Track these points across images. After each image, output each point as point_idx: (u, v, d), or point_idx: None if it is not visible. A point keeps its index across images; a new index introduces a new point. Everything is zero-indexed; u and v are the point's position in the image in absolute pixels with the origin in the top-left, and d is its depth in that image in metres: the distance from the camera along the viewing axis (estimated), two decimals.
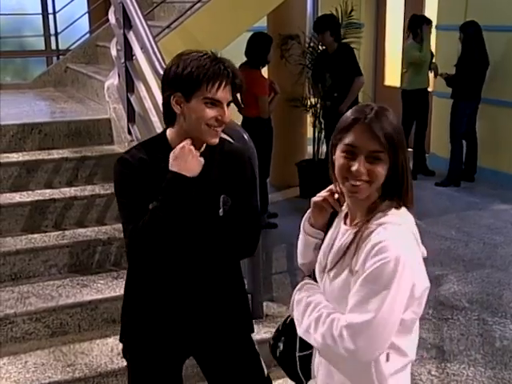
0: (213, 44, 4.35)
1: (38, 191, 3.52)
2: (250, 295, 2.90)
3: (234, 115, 4.65)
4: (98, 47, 5.50)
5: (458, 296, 4.04)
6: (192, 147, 1.81)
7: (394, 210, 1.56)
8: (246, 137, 2.91)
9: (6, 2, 6.31)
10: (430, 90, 7.01)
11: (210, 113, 1.79)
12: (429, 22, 6.68)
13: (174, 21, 4.16)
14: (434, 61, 6.82)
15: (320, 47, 5.97)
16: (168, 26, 4.16)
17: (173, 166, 1.79)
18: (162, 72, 3.31)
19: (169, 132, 1.91)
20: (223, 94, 1.79)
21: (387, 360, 1.57)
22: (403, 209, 1.58)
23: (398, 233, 1.51)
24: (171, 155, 1.80)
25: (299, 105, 6.20)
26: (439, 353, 3.36)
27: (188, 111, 1.80)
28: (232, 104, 1.87)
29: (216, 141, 1.85)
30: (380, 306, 1.46)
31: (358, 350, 1.47)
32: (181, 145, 1.81)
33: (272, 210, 5.57)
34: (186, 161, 1.79)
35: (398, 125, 1.54)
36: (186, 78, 1.77)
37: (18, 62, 7.73)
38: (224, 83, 1.78)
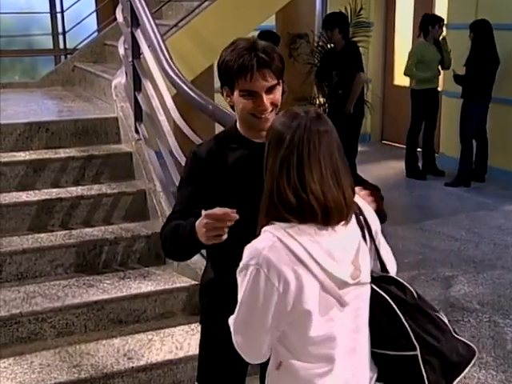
0: (220, 43, 4.30)
1: (45, 190, 3.50)
2: None
3: None
4: (106, 46, 5.48)
5: (468, 298, 3.99)
6: (212, 222, 1.61)
7: None
8: None
9: (14, 0, 6.30)
10: (439, 89, 6.95)
11: (248, 104, 1.79)
12: (441, 21, 6.62)
13: (182, 19, 4.13)
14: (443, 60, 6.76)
15: (329, 46, 5.93)
16: (176, 25, 4.13)
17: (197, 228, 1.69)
18: (169, 70, 3.30)
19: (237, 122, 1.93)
20: (257, 83, 1.76)
21: (277, 368, 1.55)
22: None
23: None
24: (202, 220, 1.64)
25: (307, 104, 6.16)
26: None
27: (235, 103, 1.84)
28: None
29: (265, 126, 1.75)
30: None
31: (237, 345, 1.53)
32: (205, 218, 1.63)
33: None
34: (201, 232, 1.66)
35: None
36: (223, 73, 1.82)
37: (26, 60, 7.73)
38: (254, 73, 1.74)
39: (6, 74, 7.50)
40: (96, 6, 6.58)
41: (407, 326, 1.56)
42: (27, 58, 7.56)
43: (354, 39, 5.88)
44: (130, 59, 3.78)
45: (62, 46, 6.33)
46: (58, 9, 6.39)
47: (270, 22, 5.69)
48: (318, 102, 6.19)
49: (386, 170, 7.28)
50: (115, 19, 5.60)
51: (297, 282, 1.43)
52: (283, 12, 5.24)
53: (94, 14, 6.64)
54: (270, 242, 1.44)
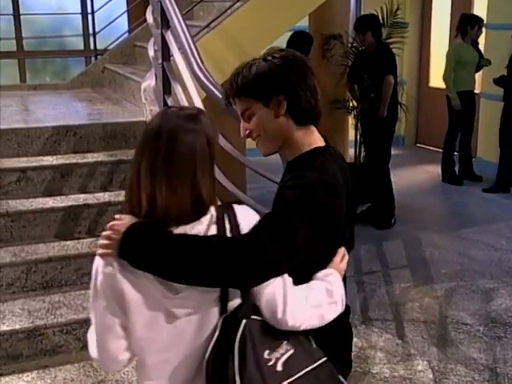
0: (253, 44, 4.23)
1: (72, 196, 3.42)
2: None
3: None
4: (136, 47, 5.40)
5: (511, 313, 3.79)
6: None
7: None
8: None
9: (46, 1, 6.28)
10: (476, 91, 6.72)
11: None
12: (481, 21, 6.39)
13: (213, 20, 4.01)
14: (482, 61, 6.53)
15: (363, 47, 5.76)
16: (207, 26, 4.02)
17: None
18: (200, 74, 3.19)
19: None
20: (237, 108, 1.68)
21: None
22: None
23: None
24: None
25: (341, 107, 6.00)
26: (492, 375, 3.13)
27: None
28: None
29: (264, 153, 1.70)
30: None
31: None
32: None
33: None
34: None
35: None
36: None
37: (57, 61, 7.72)
38: (231, 98, 1.66)
39: (38, 75, 7.50)
40: (127, 6, 6.52)
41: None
42: (59, 59, 7.54)
43: (390, 40, 5.70)
44: (160, 61, 3.68)
45: (92, 47, 6.28)
46: (89, 10, 6.34)
47: (303, 23, 5.54)
48: (351, 105, 6.03)
49: (420, 174, 7.08)
50: (146, 20, 5.53)
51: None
52: (317, 12, 5.08)
53: (125, 15, 6.58)
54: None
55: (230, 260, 1.38)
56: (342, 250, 1.64)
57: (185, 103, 3.45)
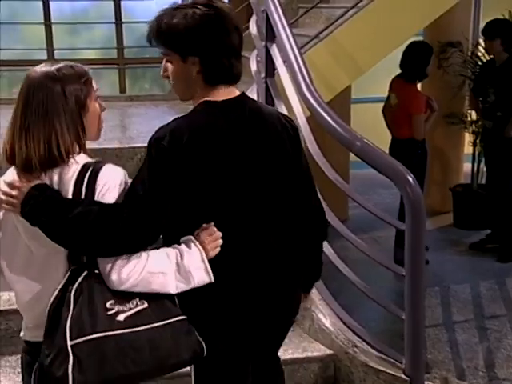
0: (367, 57, 3.78)
1: None
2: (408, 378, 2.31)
3: (379, 138, 4.02)
4: None
5: None
6: None
7: None
8: None
9: (144, 8, 6.12)
10: None
11: None
12: None
13: (323, 30, 3.61)
14: None
15: (487, 56, 5.16)
16: (316, 36, 3.62)
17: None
18: (307, 94, 2.80)
19: None
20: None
21: None
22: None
23: None
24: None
25: (457, 121, 5.44)
26: None
27: None
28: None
29: (180, 99, 1.81)
30: None
31: None
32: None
33: None
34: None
35: None
36: None
37: (157, 69, 7.59)
38: (153, 40, 1.73)
39: (137, 82, 7.40)
40: None
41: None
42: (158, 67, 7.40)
43: None
44: (263, 76, 3.34)
45: None
46: None
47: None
48: (469, 119, 5.45)
49: None
50: (247, 28, 5.22)
51: None
52: None
53: None
54: None
55: (109, 233, 1.53)
56: (211, 229, 1.63)
57: None
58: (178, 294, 1.62)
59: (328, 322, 2.58)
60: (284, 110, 3.14)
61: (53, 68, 1.63)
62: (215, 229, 1.64)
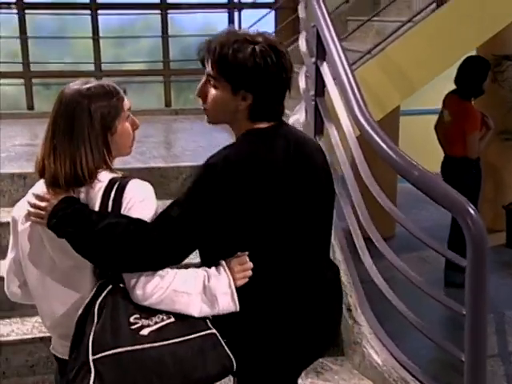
0: (421, 74, 3.62)
1: None
2: None
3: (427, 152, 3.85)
4: None
5: None
6: None
7: None
8: None
9: (193, 21, 6.08)
10: None
11: None
12: None
13: (375, 46, 3.48)
14: None
15: None
16: (369, 52, 3.49)
17: None
18: (359, 115, 2.67)
19: None
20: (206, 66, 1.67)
21: None
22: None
23: None
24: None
25: None
26: None
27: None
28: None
29: (208, 122, 1.74)
30: None
31: None
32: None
33: None
34: None
35: None
36: None
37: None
38: (206, 60, 1.66)
39: (182, 93, 7.38)
40: (275, 27, 6.17)
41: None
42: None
43: None
44: (312, 94, 3.23)
45: None
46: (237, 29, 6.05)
47: None
48: None
49: None
50: (295, 41, 5.13)
51: None
52: None
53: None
54: None
55: (135, 249, 1.51)
56: (243, 258, 1.60)
57: (339, 145, 2.98)
58: (226, 316, 1.59)
59: (380, 358, 2.44)
60: (333, 130, 3.03)
61: (83, 86, 1.61)
62: (247, 259, 1.60)
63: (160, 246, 1.52)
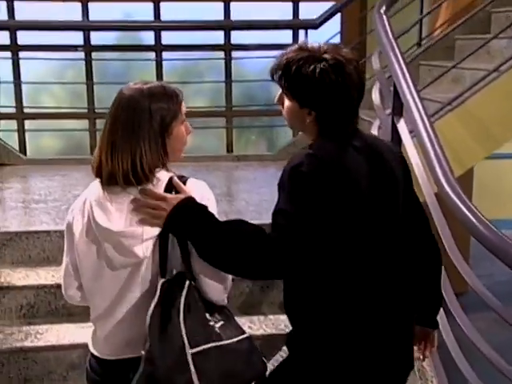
0: (504, 129, 3.36)
1: (271, 316, 2.83)
2: None
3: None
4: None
5: None
6: None
7: None
8: None
9: (254, 63, 5.98)
10: None
11: None
12: None
13: (456, 98, 3.23)
14: None
15: None
16: (449, 104, 3.25)
17: None
18: (440, 173, 2.44)
19: None
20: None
21: None
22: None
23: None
24: None
25: None
26: None
27: None
28: None
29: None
30: None
31: None
32: None
33: None
34: None
35: None
36: None
37: (264, 119, 7.40)
38: (275, 75, 1.73)
39: (244, 133, 7.26)
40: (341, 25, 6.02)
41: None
42: (265, 118, 7.20)
43: None
44: None
45: None
46: None
47: None
48: None
49: None
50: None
51: None
52: None
53: None
54: None
55: (260, 257, 1.55)
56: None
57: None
58: (298, 333, 1.70)
59: None
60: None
61: (144, 86, 1.64)
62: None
63: (278, 255, 1.55)
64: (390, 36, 2.97)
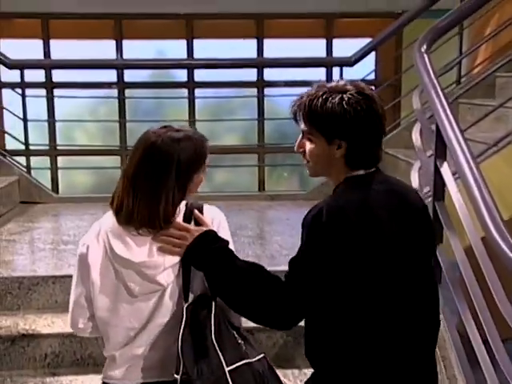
0: None
1: (305, 370, 2.67)
2: None
3: None
4: (387, 155, 4.64)
5: None
6: None
7: None
8: None
9: (285, 102, 5.93)
10: None
11: None
12: None
13: (501, 139, 3.08)
14: None
15: None
16: (495, 145, 3.10)
17: None
18: (487, 217, 2.29)
19: None
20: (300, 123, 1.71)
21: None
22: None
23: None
24: None
25: None
26: None
27: None
28: None
29: (310, 175, 1.77)
30: None
31: None
32: None
33: None
34: None
35: None
36: None
37: (296, 156, 7.31)
38: (298, 116, 1.69)
39: (276, 170, 7.18)
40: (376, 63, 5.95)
41: None
42: (297, 155, 7.10)
43: None
44: (429, 193, 2.86)
45: None
46: None
47: None
48: None
49: None
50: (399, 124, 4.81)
51: None
52: None
53: None
54: None
55: (272, 303, 1.59)
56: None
57: (459, 252, 2.58)
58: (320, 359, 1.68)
59: None
60: (454, 234, 2.64)
61: (174, 134, 1.65)
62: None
63: (286, 305, 1.57)
64: (432, 75, 2.86)
